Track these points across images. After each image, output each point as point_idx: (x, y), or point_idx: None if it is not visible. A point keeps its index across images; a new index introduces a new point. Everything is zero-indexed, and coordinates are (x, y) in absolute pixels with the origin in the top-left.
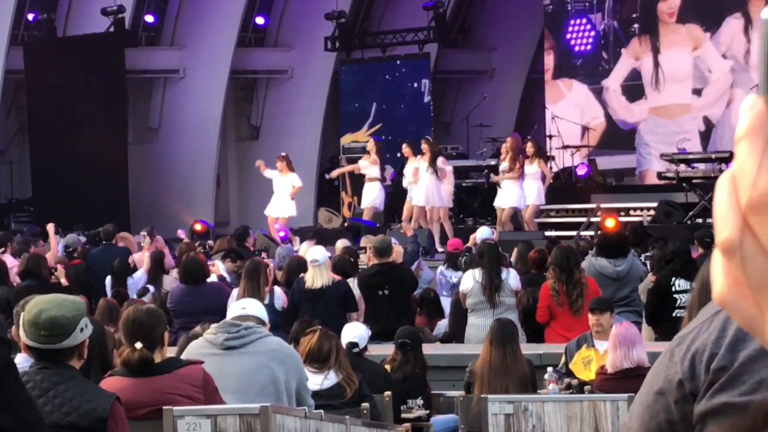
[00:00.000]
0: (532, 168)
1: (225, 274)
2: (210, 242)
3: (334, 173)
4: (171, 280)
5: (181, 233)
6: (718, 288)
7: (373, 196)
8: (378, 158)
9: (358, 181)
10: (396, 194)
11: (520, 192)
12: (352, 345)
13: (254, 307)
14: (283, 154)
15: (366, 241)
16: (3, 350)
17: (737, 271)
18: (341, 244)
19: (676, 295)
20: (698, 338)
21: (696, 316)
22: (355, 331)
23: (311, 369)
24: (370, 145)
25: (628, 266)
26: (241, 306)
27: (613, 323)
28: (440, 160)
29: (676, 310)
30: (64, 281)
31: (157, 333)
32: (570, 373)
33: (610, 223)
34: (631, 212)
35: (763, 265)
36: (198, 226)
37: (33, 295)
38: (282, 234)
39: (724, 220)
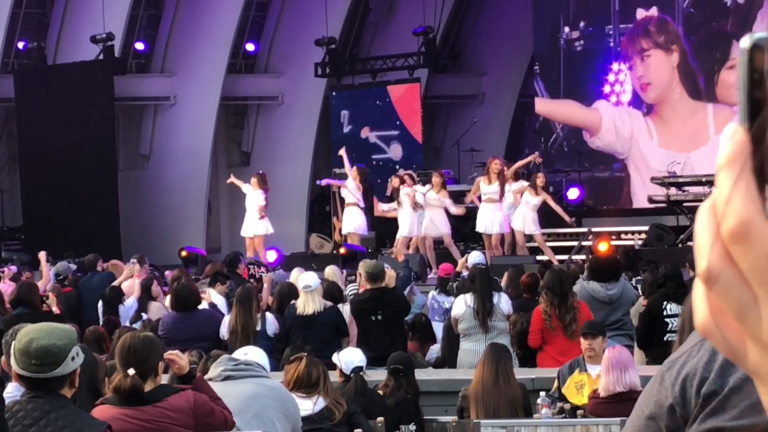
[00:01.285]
0: (531, 197)
1: (217, 301)
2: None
3: (324, 182)
4: (158, 307)
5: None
6: (700, 317)
7: (355, 222)
8: (361, 185)
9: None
10: (387, 220)
11: (503, 216)
12: (359, 369)
13: (256, 355)
14: (260, 171)
15: (361, 266)
16: None
17: (718, 299)
18: (330, 270)
19: (667, 319)
20: (688, 362)
21: (686, 340)
22: (357, 356)
23: (299, 394)
24: (354, 173)
25: (620, 290)
26: (243, 352)
27: (605, 347)
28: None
29: (668, 334)
30: (56, 309)
31: (152, 361)
32: (563, 398)
33: (602, 246)
34: (623, 236)
35: (744, 293)
36: (183, 253)
37: (22, 324)
38: (274, 257)
39: (704, 249)
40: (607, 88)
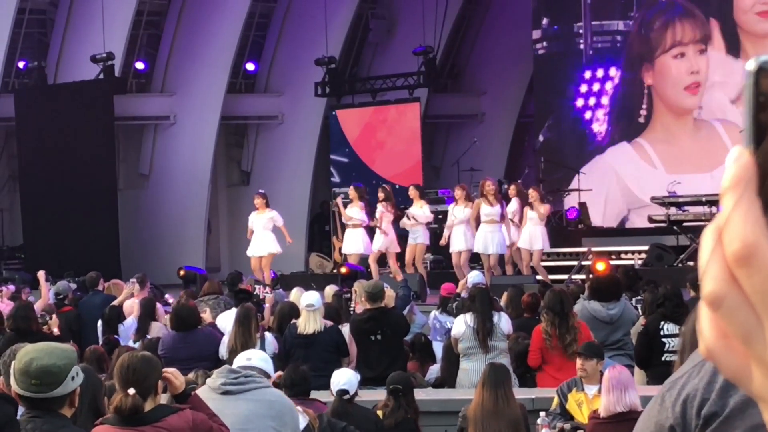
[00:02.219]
0: (534, 213)
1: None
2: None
3: (338, 206)
4: (159, 327)
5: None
6: (704, 340)
7: (357, 243)
8: (362, 203)
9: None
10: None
11: (501, 236)
12: (343, 392)
13: (259, 359)
14: (261, 191)
15: (357, 285)
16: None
17: (723, 323)
18: (330, 290)
19: (664, 339)
20: (689, 383)
21: (687, 361)
22: (344, 377)
23: None
24: (352, 194)
25: (621, 310)
26: (246, 357)
27: (599, 369)
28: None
29: (665, 354)
30: (56, 331)
31: (152, 380)
32: (566, 414)
33: (600, 266)
34: (623, 255)
35: (749, 317)
36: (182, 272)
37: (21, 344)
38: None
39: (709, 273)
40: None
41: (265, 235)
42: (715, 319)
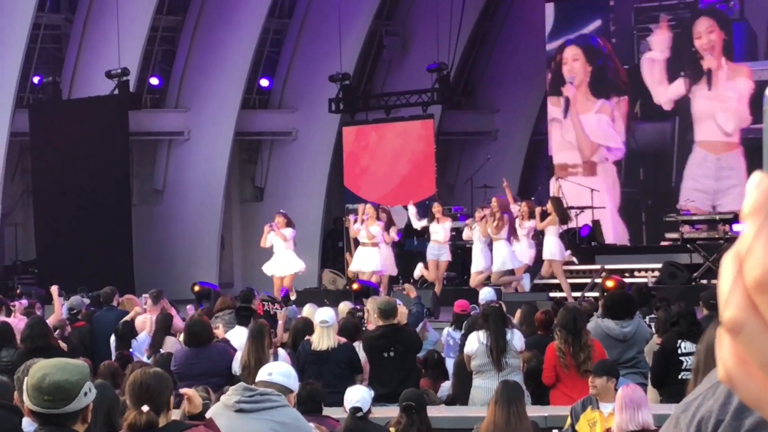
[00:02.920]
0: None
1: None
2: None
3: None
4: (173, 342)
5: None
6: (723, 366)
7: (373, 260)
8: (381, 221)
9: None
10: (401, 255)
11: (508, 252)
12: (356, 410)
13: (281, 375)
14: (282, 211)
15: (370, 302)
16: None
17: (743, 349)
18: (345, 306)
19: (682, 358)
20: (704, 405)
21: (702, 380)
22: (357, 395)
23: None
24: (371, 212)
25: (635, 328)
26: (267, 371)
27: (611, 387)
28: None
29: (682, 373)
30: (63, 345)
31: (164, 397)
32: None
33: (609, 283)
34: (636, 273)
35: None
36: (196, 288)
37: (34, 359)
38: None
39: (728, 299)
40: None
41: (286, 255)
42: (735, 345)
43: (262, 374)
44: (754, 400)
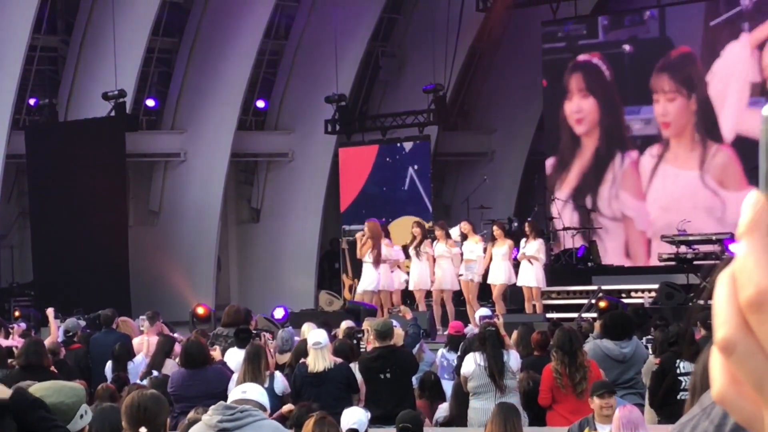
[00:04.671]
0: (532, 248)
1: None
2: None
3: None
4: (172, 364)
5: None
6: (716, 386)
7: (373, 279)
8: (388, 239)
9: (358, 263)
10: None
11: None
12: (353, 431)
13: (255, 392)
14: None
15: (367, 324)
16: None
17: (735, 369)
18: (345, 325)
19: (680, 378)
20: (699, 426)
21: (698, 401)
22: (354, 417)
23: None
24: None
25: (634, 348)
26: (241, 390)
27: (614, 406)
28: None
29: (681, 393)
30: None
31: (161, 419)
32: None
33: (601, 303)
34: (633, 294)
35: (762, 364)
36: (201, 310)
37: (29, 382)
38: (282, 314)
39: (722, 318)
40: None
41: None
42: (728, 365)
43: (236, 393)
44: (746, 420)
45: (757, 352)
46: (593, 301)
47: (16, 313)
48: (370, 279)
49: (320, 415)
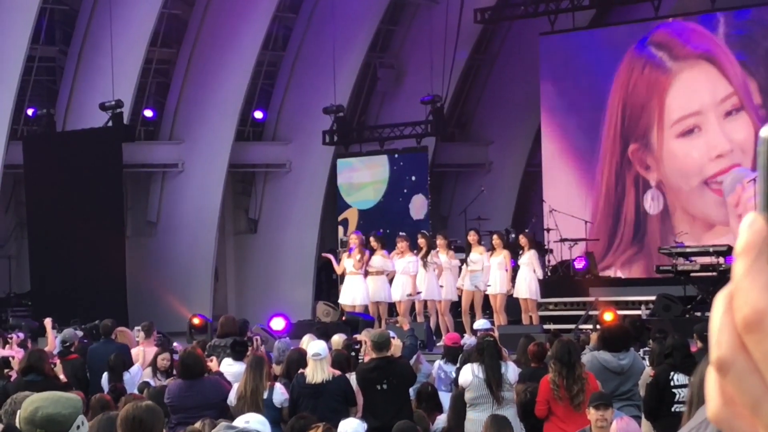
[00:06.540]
0: (525, 259)
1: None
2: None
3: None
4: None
5: None
6: (712, 405)
7: (359, 291)
8: (384, 251)
9: None
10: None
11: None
12: None
13: (257, 422)
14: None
15: (365, 335)
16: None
17: (731, 389)
18: (339, 338)
19: (675, 390)
20: None
21: (694, 415)
22: (350, 428)
23: None
24: (374, 243)
25: (632, 360)
26: (244, 420)
27: (610, 418)
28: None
29: (675, 405)
30: (62, 377)
31: (157, 430)
32: None
33: (608, 316)
34: (630, 305)
35: (757, 384)
36: (196, 320)
37: (24, 393)
38: (282, 325)
39: (718, 338)
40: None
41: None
42: (723, 384)
43: (239, 423)
44: None
45: (753, 373)
46: (590, 313)
47: (9, 323)
48: (358, 292)
49: (326, 427)
